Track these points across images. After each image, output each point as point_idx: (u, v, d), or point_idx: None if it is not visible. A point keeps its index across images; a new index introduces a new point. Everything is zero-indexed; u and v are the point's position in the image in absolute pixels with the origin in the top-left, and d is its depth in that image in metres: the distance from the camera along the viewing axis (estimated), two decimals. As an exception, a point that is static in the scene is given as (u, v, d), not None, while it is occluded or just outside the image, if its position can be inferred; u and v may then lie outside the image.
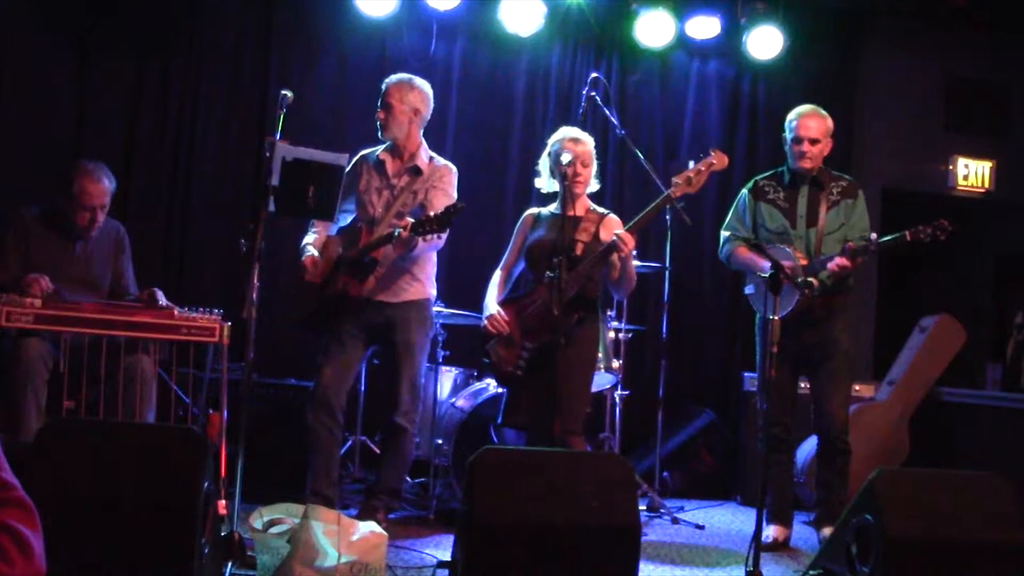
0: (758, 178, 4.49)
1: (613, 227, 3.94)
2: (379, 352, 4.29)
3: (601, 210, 4.11)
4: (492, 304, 4.06)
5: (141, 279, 4.50)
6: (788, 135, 4.35)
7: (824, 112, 4.37)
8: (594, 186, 4.16)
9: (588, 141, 4.10)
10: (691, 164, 3.93)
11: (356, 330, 4.10)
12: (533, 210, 4.25)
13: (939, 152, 6.80)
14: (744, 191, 4.47)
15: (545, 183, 4.16)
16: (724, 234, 4.48)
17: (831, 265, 4.06)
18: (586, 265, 3.86)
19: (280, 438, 4.48)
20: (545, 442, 3.75)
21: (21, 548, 1.38)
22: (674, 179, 3.86)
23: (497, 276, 4.22)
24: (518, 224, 4.26)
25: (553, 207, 4.16)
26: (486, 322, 4.03)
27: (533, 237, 4.10)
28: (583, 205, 4.09)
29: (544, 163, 4.14)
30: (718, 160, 3.86)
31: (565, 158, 3.94)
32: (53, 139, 5.35)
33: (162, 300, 4.06)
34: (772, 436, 4.24)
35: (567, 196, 3.99)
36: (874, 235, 4.12)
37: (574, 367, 3.86)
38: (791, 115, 4.38)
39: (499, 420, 4.07)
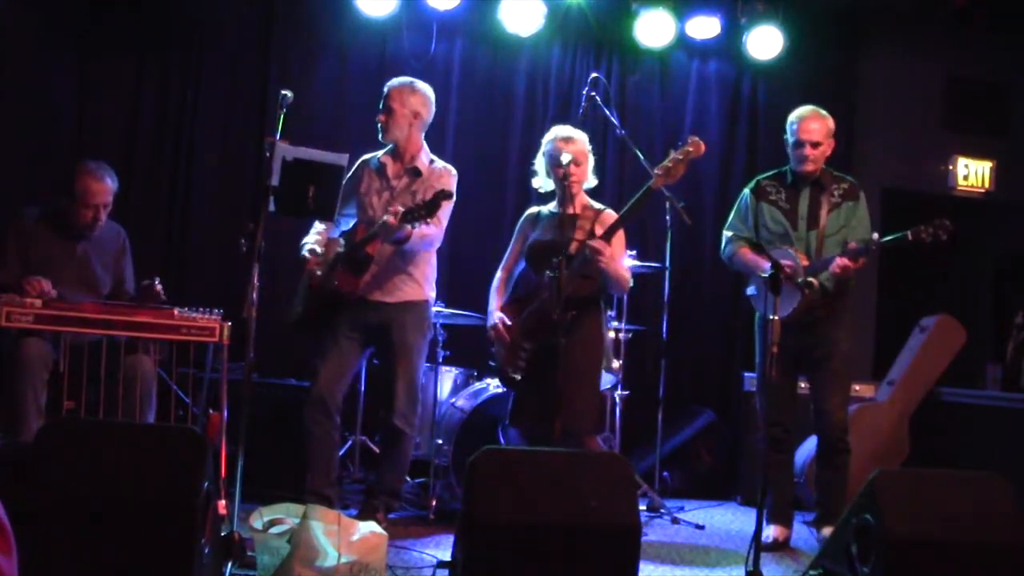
0: (760, 178, 4.48)
1: (608, 223, 3.94)
2: (377, 353, 4.29)
3: (598, 206, 4.12)
4: (495, 312, 4.10)
5: (141, 279, 4.49)
6: (789, 138, 4.34)
7: (824, 113, 4.35)
8: (591, 182, 4.17)
9: (580, 139, 4.10)
10: (670, 153, 3.85)
11: (353, 330, 4.10)
12: (533, 209, 4.26)
13: (939, 152, 6.80)
14: (746, 191, 4.46)
15: (542, 182, 4.18)
16: (726, 234, 4.47)
17: (833, 267, 4.06)
18: (576, 265, 3.86)
19: (280, 438, 4.48)
20: (548, 443, 3.75)
21: None
22: (655, 170, 3.84)
23: (497, 278, 4.24)
24: (519, 224, 4.27)
25: (552, 206, 4.18)
26: (489, 331, 4.06)
27: (533, 236, 4.12)
28: (580, 202, 4.10)
29: (540, 163, 4.16)
30: (694, 147, 3.81)
31: (564, 159, 3.95)
32: (53, 139, 5.35)
33: (158, 288, 4.08)
34: (771, 436, 4.24)
35: (564, 195, 4.02)
36: (875, 234, 4.11)
37: (576, 365, 3.86)
38: (791, 117, 4.37)
39: (506, 421, 4.08)
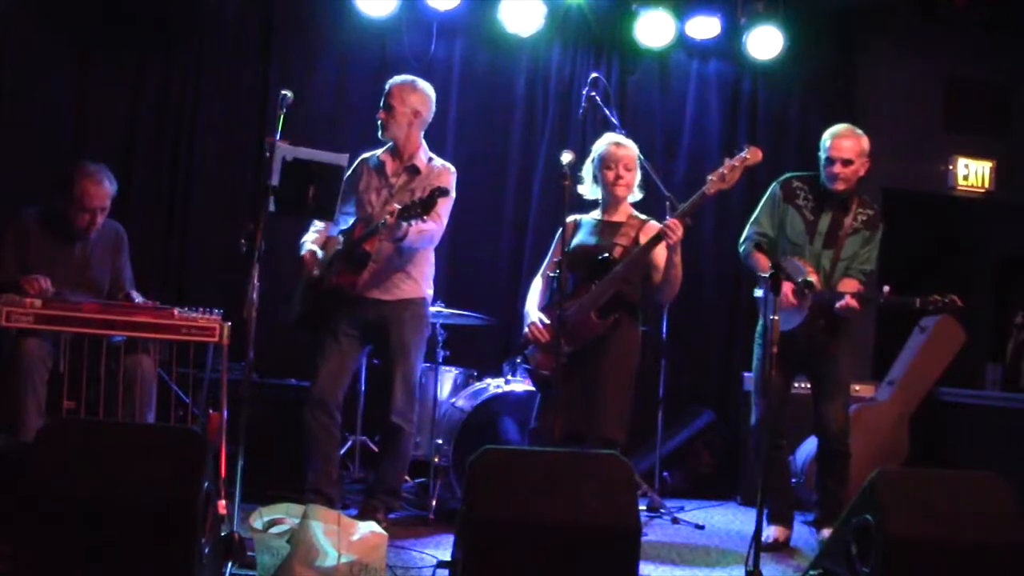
0: (792, 176, 4.40)
1: (653, 233, 3.90)
2: (375, 351, 4.29)
3: (642, 216, 4.10)
4: (533, 311, 4.08)
5: (141, 279, 4.50)
6: (822, 155, 4.28)
7: (859, 132, 4.29)
8: (637, 195, 4.15)
9: (631, 147, 4.12)
10: (726, 160, 3.87)
11: (352, 329, 4.11)
12: (573, 217, 4.15)
13: (939, 152, 6.80)
14: (775, 185, 4.39)
15: (588, 189, 4.14)
16: (749, 230, 4.41)
17: (840, 305, 4.04)
18: (625, 265, 3.85)
19: (280, 438, 4.48)
20: (575, 445, 3.74)
21: None
22: (709, 176, 3.84)
23: (536, 282, 4.21)
24: (558, 233, 4.20)
25: (595, 213, 4.16)
26: (527, 329, 4.03)
27: (574, 242, 4.05)
28: (625, 211, 4.10)
29: (587, 169, 4.14)
30: (752, 155, 3.82)
31: (565, 158, 3.90)
32: (53, 139, 5.35)
33: (137, 299, 4.08)
34: (769, 437, 4.24)
35: (610, 200, 4.05)
36: (887, 288, 4.09)
37: (610, 372, 3.87)
38: (826, 134, 4.30)
39: (532, 423, 4.06)
